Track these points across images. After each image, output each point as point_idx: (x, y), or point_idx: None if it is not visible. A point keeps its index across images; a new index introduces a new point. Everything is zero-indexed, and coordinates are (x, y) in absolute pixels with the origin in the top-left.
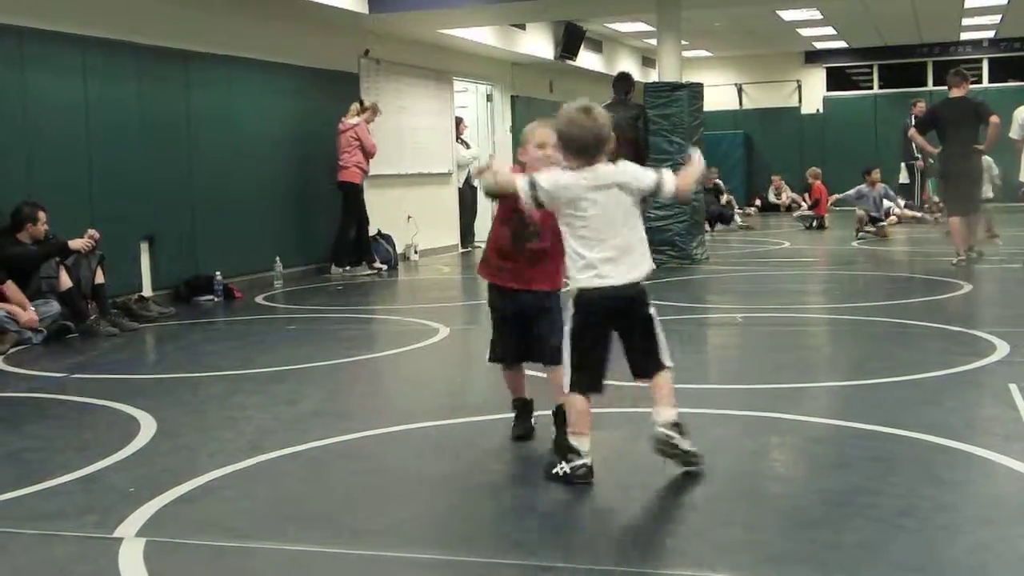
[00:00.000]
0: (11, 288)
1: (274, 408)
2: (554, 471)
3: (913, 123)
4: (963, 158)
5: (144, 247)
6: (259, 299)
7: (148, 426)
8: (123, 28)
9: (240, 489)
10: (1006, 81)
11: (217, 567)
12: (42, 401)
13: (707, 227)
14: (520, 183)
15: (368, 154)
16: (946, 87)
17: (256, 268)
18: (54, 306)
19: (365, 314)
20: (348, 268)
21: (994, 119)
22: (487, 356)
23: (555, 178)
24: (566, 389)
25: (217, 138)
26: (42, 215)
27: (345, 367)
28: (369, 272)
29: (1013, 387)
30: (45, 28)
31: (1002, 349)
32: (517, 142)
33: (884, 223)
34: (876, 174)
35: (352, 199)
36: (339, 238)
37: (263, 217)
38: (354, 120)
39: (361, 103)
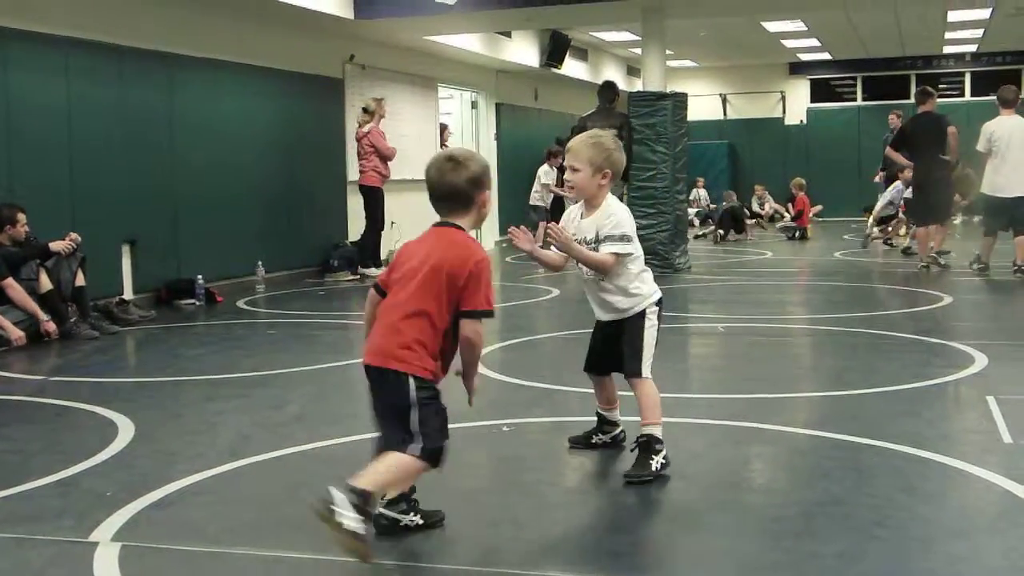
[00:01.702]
0: (14, 288)
1: (254, 413)
2: (656, 467)
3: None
4: (930, 170)
5: (125, 250)
6: (241, 303)
7: (126, 430)
8: (107, 30)
9: (218, 494)
10: (988, 94)
11: (192, 572)
12: (20, 404)
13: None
14: (624, 248)
15: (385, 158)
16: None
17: (238, 272)
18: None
19: (347, 319)
20: (376, 268)
21: (951, 129)
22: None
23: (629, 217)
24: (647, 375)
25: (200, 142)
26: (22, 217)
27: (326, 372)
28: (352, 277)
29: (990, 399)
30: (28, 29)
31: (980, 361)
32: (500, 149)
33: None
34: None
35: (370, 203)
36: (362, 240)
37: (245, 221)
38: (366, 128)
39: (365, 109)
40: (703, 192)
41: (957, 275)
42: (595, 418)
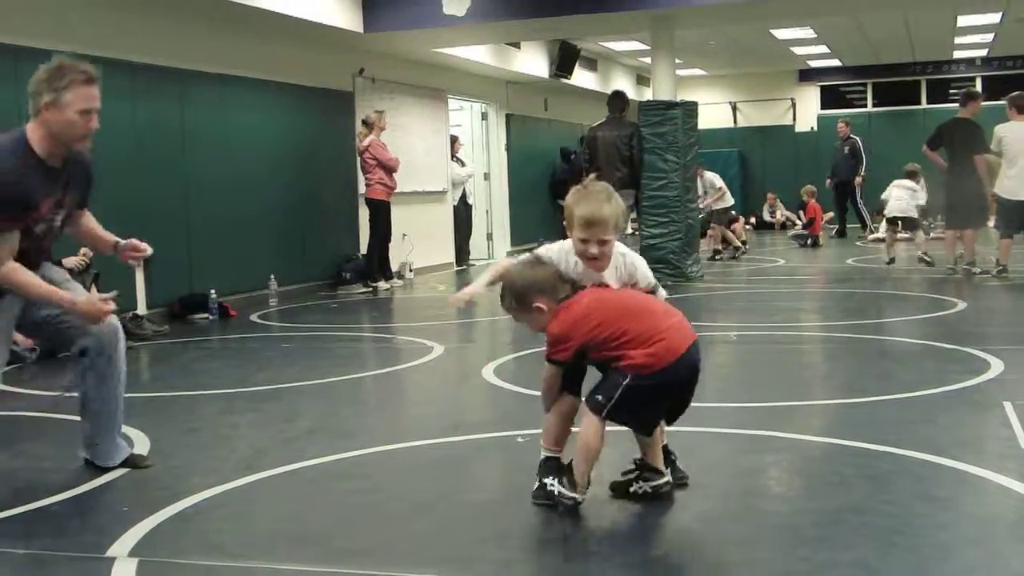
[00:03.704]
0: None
1: (268, 427)
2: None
3: (844, 143)
4: (963, 176)
5: (138, 265)
6: (254, 317)
7: (141, 444)
8: (118, 46)
9: (234, 508)
10: (999, 99)
11: None
12: (36, 420)
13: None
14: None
15: (389, 170)
16: (939, 105)
17: (251, 286)
18: None
19: (360, 332)
20: (386, 281)
21: (978, 158)
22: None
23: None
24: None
25: (212, 156)
26: None
27: (340, 385)
28: (364, 290)
29: (1007, 405)
30: (40, 47)
31: (996, 367)
32: (510, 159)
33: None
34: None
35: (374, 215)
36: (369, 253)
37: (258, 235)
38: (366, 141)
39: (364, 121)
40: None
41: (970, 280)
42: (607, 428)
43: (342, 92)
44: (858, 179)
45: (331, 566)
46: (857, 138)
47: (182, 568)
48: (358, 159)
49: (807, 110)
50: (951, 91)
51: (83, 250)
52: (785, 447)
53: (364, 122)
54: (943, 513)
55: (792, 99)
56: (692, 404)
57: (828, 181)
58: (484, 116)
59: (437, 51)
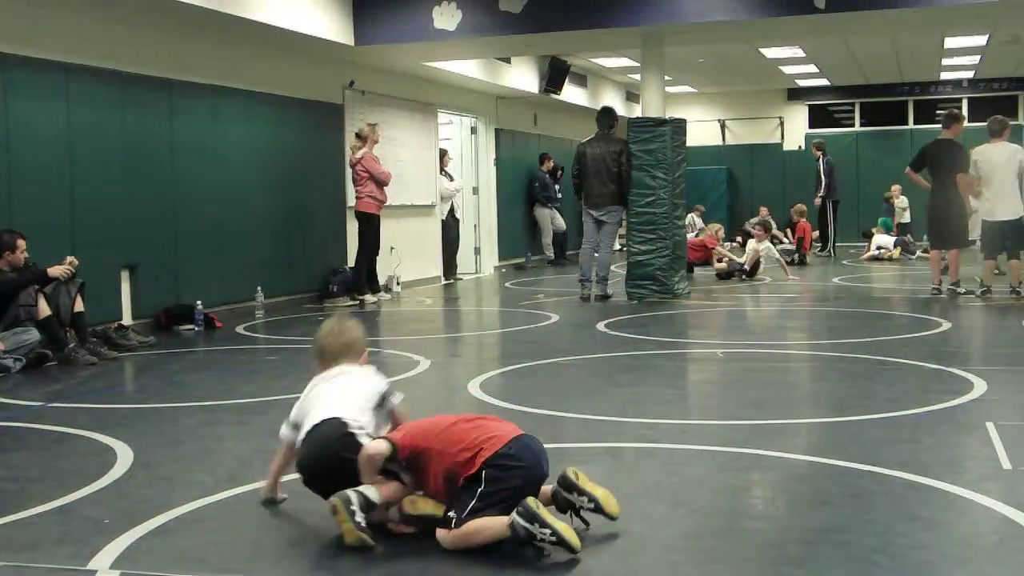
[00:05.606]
0: None
1: (253, 439)
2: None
3: (823, 164)
4: (946, 197)
5: (125, 275)
6: (240, 329)
7: (125, 456)
8: (107, 56)
9: (217, 521)
10: (985, 120)
11: None
12: (18, 430)
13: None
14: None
15: (380, 183)
16: (926, 126)
17: (237, 298)
18: (33, 334)
19: None
20: (373, 294)
21: (960, 176)
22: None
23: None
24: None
25: (200, 167)
26: (21, 243)
27: None
28: (351, 303)
29: (990, 425)
30: (29, 55)
31: (979, 387)
32: (501, 175)
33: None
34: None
35: (365, 229)
36: (357, 266)
37: (245, 247)
38: (359, 154)
39: (357, 134)
40: (698, 219)
41: (955, 300)
42: (600, 445)
43: (332, 104)
44: (817, 200)
45: None
46: (829, 158)
47: None
48: (349, 172)
49: (795, 129)
50: (937, 112)
51: (69, 259)
52: (769, 465)
53: (357, 135)
54: (925, 533)
55: (780, 118)
56: (678, 421)
57: (816, 200)
58: (473, 130)
59: (427, 65)
